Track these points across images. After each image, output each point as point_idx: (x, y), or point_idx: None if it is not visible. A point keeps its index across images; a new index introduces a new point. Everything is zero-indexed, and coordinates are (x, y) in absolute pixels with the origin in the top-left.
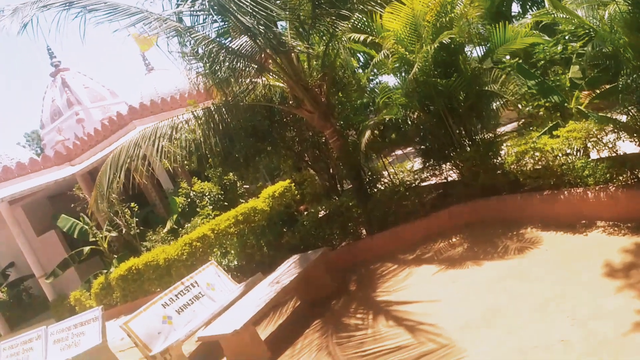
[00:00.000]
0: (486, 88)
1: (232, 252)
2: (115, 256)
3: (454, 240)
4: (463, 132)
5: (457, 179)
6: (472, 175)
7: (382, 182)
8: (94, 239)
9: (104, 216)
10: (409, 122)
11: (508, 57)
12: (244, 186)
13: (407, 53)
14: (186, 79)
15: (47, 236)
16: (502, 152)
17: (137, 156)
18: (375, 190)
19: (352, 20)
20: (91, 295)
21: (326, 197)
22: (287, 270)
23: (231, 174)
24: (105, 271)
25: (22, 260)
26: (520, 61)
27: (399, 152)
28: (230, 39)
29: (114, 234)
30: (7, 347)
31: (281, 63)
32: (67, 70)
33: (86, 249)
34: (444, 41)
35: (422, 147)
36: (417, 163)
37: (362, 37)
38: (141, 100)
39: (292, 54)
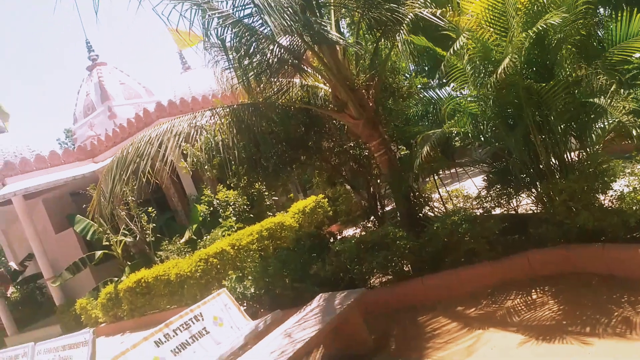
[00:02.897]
0: (594, 100)
1: (250, 277)
2: (129, 264)
3: (535, 296)
4: (553, 154)
5: (536, 212)
6: (567, 212)
7: (432, 207)
8: (107, 243)
9: (121, 219)
10: (481, 137)
11: (638, 55)
12: (273, 198)
13: (490, 43)
14: (214, 76)
15: (65, 234)
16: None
17: (148, 155)
18: (421, 215)
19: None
20: (97, 305)
21: (363, 218)
22: (314, 315)
23: (258, 184)
24: (116, 279)
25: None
26: None
27: (445, 172)
28: (260, 20)
29: (129, 239)
30: None
31: (323, 57)
32: (104, 65)
33: (98, 253)
34: (541, 26)
35: (492, 168)
36: (473, 187)
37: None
38: (172, 99)
39: (337, 48)
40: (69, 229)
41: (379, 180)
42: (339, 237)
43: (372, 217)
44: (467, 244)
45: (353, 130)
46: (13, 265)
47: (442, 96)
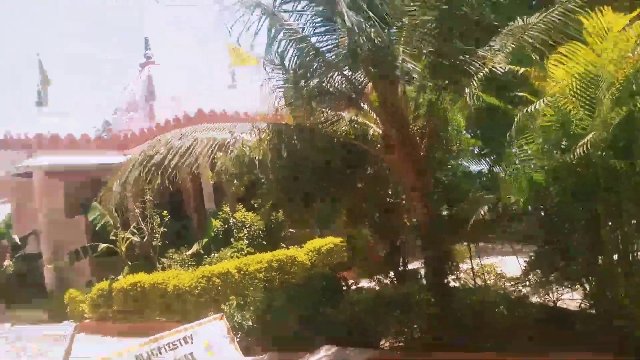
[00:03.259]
0: None
1: (252, 307)
2: (130, 263)
3: None
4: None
5: (582, 309)
6: (624, 316)
7: (458, 277)
8: (113, 238)
9: (133, 215)
10: (542, 211)
11: None
12: (290, 230)
13: (572, 116)
14: (262, 94)
15: (75, 220)
16: None
17: (175, 153)
18: (447, 282)
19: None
20: (87, 299)
21: (381, 271)
22: None
23: (280, 212)
24: (113, 277)
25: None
26: None
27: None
28: (329, 41)
29: (136, 238)
30: None
31: (384, 92)
32: (156, 65)
33: (102, 245)
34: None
35: (540, 247)
36: (509, 264)
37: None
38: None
39: (399, 87)
40: (80, 215)
41: (403, 236)
42: (353, 285)
43: (391, 273)
44: (501, 326)
45: (397, 176)
46: (16, 238)
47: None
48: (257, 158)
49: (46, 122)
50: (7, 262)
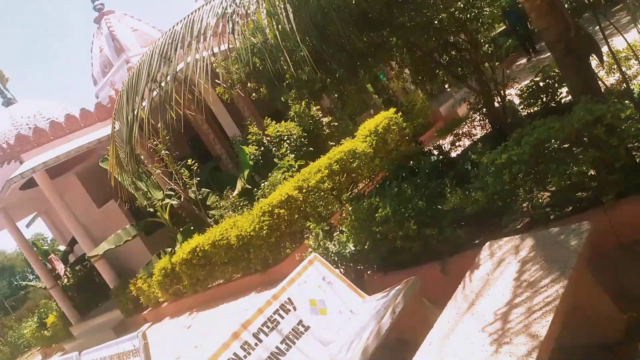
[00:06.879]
0: None
1: (345, 228)
2: (180, 230)
3: None
4: None
5: None
6: None
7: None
8: (151, 210)
9: (159, 178)
10: None
11: None
12: (332, 123)
13: None
14: None
15: (109, 206)
16: None
17: (164, 75)
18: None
19: None
20: (154, 283)
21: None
22: (503, 282)
23: (314, 105)
24: (169, 250)
25: (91, 232)
26: None
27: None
28: None
29: (174, 201)
30: None
31: None
32: (112, 14)
33: (142, 223)
34: None
35: None
36: None
37: None
38: None
39: None
40: (110, 200)
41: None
42: (450, 150)
43: (500, 126)
44: None
45: None
46: (61, 248)
47: None
48: (267, 41)
49: (23, 120)
50: (63, 272)
